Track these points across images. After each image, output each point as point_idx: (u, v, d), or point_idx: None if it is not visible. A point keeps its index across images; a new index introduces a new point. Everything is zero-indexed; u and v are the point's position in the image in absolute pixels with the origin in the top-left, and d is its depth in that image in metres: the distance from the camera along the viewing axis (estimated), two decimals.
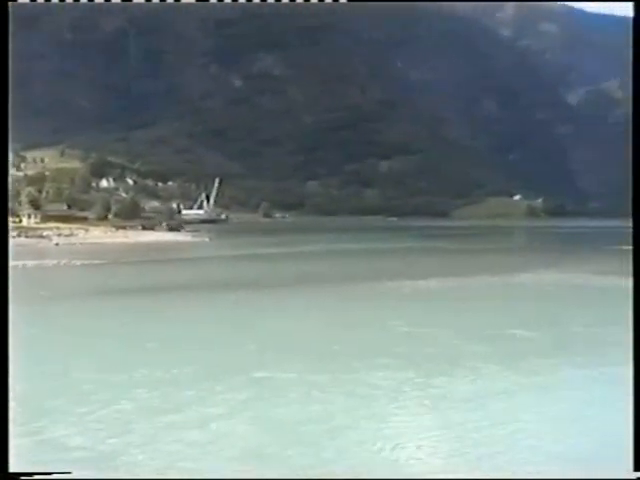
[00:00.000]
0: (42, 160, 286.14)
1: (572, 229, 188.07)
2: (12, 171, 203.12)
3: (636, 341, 11.63)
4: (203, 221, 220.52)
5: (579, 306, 36.84)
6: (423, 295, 42.07)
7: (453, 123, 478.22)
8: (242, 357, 23.20)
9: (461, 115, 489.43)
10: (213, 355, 23.78)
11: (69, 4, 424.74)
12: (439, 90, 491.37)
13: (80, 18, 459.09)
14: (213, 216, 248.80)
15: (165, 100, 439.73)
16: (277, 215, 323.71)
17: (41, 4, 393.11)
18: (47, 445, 14.71)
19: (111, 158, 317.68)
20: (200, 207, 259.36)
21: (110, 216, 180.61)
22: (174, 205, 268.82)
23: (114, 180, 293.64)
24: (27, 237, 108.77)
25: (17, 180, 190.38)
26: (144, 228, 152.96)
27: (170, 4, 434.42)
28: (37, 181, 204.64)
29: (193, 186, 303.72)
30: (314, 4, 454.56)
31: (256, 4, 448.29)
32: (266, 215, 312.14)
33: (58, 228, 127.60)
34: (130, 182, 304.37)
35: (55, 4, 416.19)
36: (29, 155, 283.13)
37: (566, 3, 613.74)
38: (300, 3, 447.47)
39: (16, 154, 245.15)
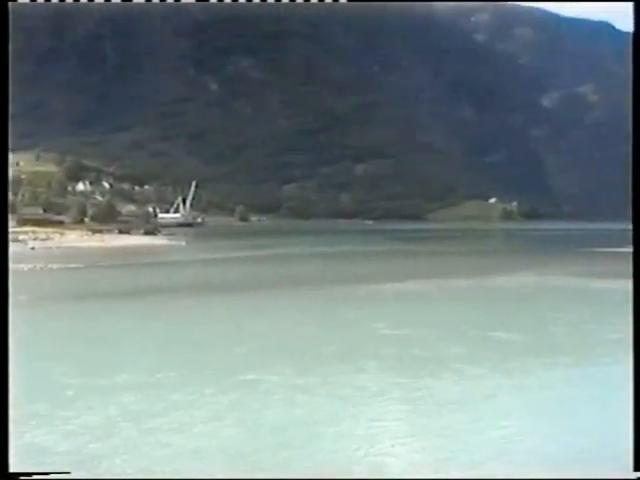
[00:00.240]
0: (17, 164, 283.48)
1: (547, 232, 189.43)
2: None
3: (636, 341, 11.69)
4: (179, 225, 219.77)
5: (558, 308, 37.09)
6: (403, 298, 42.17)
7: (428, 126, 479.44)
8: (227, 360, 23.21)
9: (436, 118, 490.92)
10: (197, 358, 23.71)
11: (41, 5, 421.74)
12: (414, 94, 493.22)
13: (55, 21, 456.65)
14: (189, 220, 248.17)
15: (141, 104, 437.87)
16: (253, 218, 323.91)
17: (17, 4, 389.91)
18: (28, 448, 14.69)
19: (87, 162, 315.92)
20: (176, 211, 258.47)
21: (86, 220, 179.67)
22: (150, 209, 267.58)
23: (90, 184, 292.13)
24: None
25: None
26: (120, 232, 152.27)
27: (146, 8, 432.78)
28: (13, 185, 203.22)
29: (169, 190, 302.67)
30: (291, 7, 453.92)
31: (232, 7, 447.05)
32: (242, 218, 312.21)
33: (34, 232, 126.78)
34: (106, 186, 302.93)
35: (29, 6, 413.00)
36: None
37: (540, 7, 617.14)
38: (277, 6, 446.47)
39: None
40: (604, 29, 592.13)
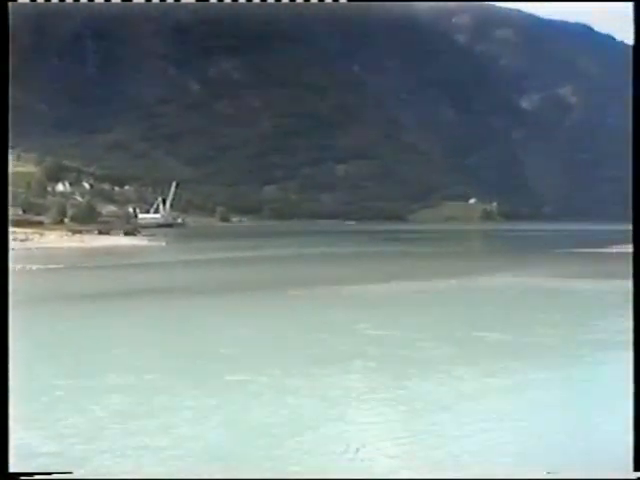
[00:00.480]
0: None
1: (526, 232, 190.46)
2: None
3: (636, 341, 11.78)
4: (160, 225, 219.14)
5: (538, 308, 37.32)
6: (386, 299, 42.24)
7: (409, 128, 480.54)
8: (212, 361, 23.14)
9: (418, 120, 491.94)
10: (181, 360, 23.63)
11: (21, 5, 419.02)
12: (396, 95, 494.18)
13: (37, 20, 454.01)
14: (170, 220, 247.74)
15: (122, 104, 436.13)
16: (234, 219, 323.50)
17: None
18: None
19: (67, 162, 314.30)
20: (157, 211, 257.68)
21: (66, 220, 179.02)
22: (131, 209, 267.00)
23: (70, 184, 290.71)
24: None
25: None
26: (100, 232, 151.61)
27: (129, 8, 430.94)
28: None
29: (150, 190, 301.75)
30: (274, 8, 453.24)
31: (214, 8, 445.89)
32: (223, 219, 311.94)
33: (14, 233, 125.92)
34: (86, 186, 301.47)
35: (11, 5, 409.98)
36: None
37: (520, 9, 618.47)
38: (260, 7, 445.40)
39: None
40: (582, 31, 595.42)
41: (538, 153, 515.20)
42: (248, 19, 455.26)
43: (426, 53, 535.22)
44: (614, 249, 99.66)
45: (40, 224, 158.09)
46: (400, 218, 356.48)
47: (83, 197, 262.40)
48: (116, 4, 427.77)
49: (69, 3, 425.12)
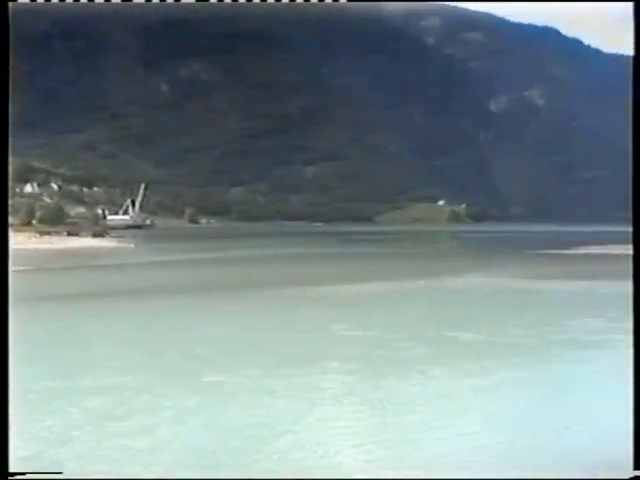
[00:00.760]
0: None
1: (494, 234, 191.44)
2: None
3: (636, 341, 11.85)
4: (129, 227, 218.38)
5: (509, 308, 37.63)
6: (358, 299, 42.36)
7: (378, 130, 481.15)
8: (188, 362, 23.12)
9: (386, 122, 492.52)
10: (157, 361, 23.62)
11: None
12: (364, 97, 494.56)
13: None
14: (139, 222, 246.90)
15: (90, 105, 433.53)
16: (203, 221, 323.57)
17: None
18: None
19: (35, 163, 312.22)
20: (125, 213, 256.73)
21: (34, 222, 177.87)
22: (99, 211, 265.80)
23: (38, 185, 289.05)
24: None
25: None
26: (69, 234, 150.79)
27: (97, 8, 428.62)
28: None
29: (118, 192, 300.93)
30: (243, 9, 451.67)
31: (184, 8, 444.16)
32: (192, 221, 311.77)
33: None
34: (55, 187, 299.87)
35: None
36: None
37: (489, 12, 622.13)
38: (229, 7, 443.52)
39: None
40: (549, 34, 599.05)
41: (507, 155, 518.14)
42: (217, 20, 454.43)
43: (395, 55, 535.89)
44: (581, 250, 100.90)
45: None
46: (368, 219, 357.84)
47: (52, 198, 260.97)
48: (85, 4, 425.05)
49: (39, 3, 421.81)
